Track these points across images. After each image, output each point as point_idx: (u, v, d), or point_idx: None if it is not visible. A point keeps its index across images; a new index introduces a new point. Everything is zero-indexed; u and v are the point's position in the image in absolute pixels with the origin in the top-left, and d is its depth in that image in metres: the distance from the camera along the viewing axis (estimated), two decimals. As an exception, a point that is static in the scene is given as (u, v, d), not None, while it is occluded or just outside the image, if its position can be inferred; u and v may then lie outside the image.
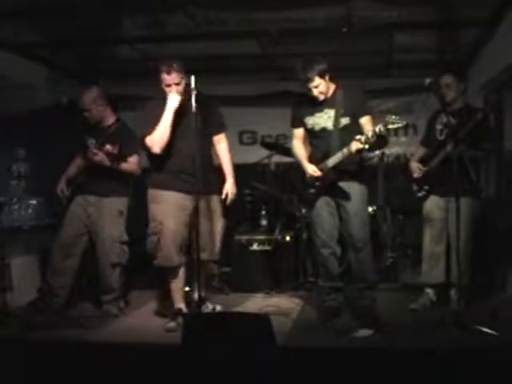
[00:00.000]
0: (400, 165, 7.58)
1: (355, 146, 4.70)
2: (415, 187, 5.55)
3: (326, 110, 4.99)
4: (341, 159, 4.86)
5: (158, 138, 4.91)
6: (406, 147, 7.74)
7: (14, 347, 4.33)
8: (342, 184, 5.00)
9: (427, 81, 4.85)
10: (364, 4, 5.44)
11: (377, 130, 4.58)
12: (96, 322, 5.20)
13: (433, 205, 5.46)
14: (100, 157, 5.30)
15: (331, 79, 4.98)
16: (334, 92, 5.02)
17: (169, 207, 5.01)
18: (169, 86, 4.88)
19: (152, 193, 5.13)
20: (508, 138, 6.25)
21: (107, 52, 7.03)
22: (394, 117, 4.59)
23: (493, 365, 3.76)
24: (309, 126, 5.11)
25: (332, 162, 4.93)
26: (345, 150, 4.80)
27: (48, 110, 6.96)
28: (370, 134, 4.61)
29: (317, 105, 5.03)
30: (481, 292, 5.53)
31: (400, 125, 4.62)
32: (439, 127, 5.46)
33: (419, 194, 5.53)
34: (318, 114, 5.04)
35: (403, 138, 7.88)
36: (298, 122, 5.21)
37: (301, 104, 5.15)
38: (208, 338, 3.36)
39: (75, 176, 5.63)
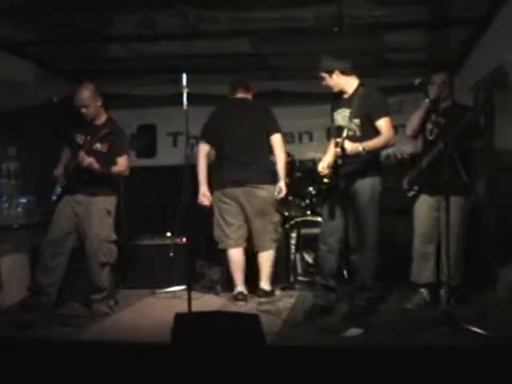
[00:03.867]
0: (390, 164, 7.57)
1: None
2: (406, 186, 5.56)
3: (344, 109, 5.09)
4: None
5: None
6: (396, 147, 7.72)
7: (4, 346, 4.31)
8: (353, 182, 5.04)
9: (417, 81, 4.86)
10: (355, 3, 5.43)
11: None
12: (86, 320, 5.20)
13: (423, 204, 5.47)
14: (89, 161, 5.29)
15: (354, 76, 5.15)
16: (356, 90, 5.09)
17: None
18: None
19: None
20: (498, 137, 6.26)
21: (98, 51, 7.00)
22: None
23: (483, 365, 3.77)
24: (333, 123, 5.25)
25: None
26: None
27: (38, 108, 6.93)
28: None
29: (341, 102, 5.16)
30: (472, 291, 5.55)
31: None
32: (429, 127, 5.48)
33: (409, 194, 5.54)
34: (339, 111, 5.16)
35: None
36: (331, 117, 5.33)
37: (334, 99, 5.27)
38: (198, 337, 3.36)
39: (67, 165, 5.61)
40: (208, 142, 6.17)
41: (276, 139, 6.03)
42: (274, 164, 6.06)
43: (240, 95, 6.24)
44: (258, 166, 5.98)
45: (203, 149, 6.16)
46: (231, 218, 6.06)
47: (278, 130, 6.08)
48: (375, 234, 5.07)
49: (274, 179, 6.03)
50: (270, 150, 6.06)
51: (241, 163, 5.95)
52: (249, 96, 6.29)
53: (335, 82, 5.09)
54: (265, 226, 6.07)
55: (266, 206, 6.03)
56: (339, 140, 4.85)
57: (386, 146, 5.04)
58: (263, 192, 5.99)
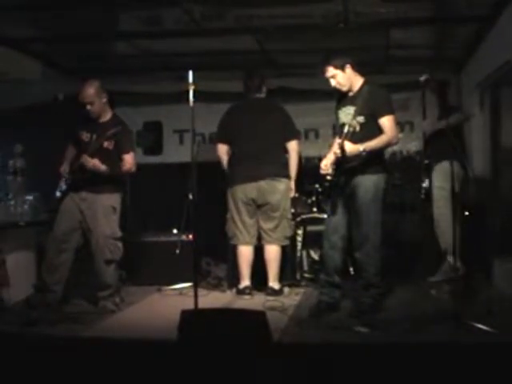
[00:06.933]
0: (396, 161, 7.56)
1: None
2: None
3: (349, 107, 5.04)
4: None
5: None
6: (402, 144, 7.71)
7: (11, 343, 4.32)
8: (356, 179, 5.02)
9: (423, 78, 4.86)
10: (361, 0, 5.44)
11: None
12: (92, 317, 5.21)
13: None
14: (92, 163, 5.28)
15: (359, 74, 5.09)
16: (360, 88, 5.06)
17: None
18: None
19: None
20: (505, 134, 6.25)
21: (104, 48, 7.01)
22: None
23: (487, 361, 3.77)
24: (337, 120, 5.21)
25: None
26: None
27: (44, 106, 6.94)
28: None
29: (345, 100, 5.13)
30: (475, 288, 5.55)
31: None
32: None
33: (426, 161, 5.65)
34: (343, 109, 5.13)
35: (399, 135, 7.86)
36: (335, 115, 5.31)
37: (338, 99, 5.25)
38: (204, 334, 3.37)
39: (73, 161, 5.61)
40: (223, 141, 6.22)
41: (293, 145, 6.13)
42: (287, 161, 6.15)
43: (256, 94, 6.21)
44: (273, 161, 6.04)
45: (221, 148, 6.24)
46: (246, 216, 6.10)
47: (295, 137, 6.21)
48: (379, 231, 5.05)
49: (289, 174, 6.13)
50: (284, 149, 6.14)
51: (257, 159, 5.98)
52: (263, 94, 6.25)
53: (348, 76, 5.02)
54: (280, 221, 6.11)
55: (283, 199, 6.09)
56: (339, 141, 4.86)
57: (388, 145, 5.02)
58: (281, 185, 6.06)
